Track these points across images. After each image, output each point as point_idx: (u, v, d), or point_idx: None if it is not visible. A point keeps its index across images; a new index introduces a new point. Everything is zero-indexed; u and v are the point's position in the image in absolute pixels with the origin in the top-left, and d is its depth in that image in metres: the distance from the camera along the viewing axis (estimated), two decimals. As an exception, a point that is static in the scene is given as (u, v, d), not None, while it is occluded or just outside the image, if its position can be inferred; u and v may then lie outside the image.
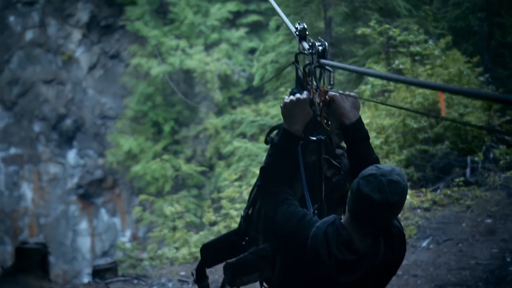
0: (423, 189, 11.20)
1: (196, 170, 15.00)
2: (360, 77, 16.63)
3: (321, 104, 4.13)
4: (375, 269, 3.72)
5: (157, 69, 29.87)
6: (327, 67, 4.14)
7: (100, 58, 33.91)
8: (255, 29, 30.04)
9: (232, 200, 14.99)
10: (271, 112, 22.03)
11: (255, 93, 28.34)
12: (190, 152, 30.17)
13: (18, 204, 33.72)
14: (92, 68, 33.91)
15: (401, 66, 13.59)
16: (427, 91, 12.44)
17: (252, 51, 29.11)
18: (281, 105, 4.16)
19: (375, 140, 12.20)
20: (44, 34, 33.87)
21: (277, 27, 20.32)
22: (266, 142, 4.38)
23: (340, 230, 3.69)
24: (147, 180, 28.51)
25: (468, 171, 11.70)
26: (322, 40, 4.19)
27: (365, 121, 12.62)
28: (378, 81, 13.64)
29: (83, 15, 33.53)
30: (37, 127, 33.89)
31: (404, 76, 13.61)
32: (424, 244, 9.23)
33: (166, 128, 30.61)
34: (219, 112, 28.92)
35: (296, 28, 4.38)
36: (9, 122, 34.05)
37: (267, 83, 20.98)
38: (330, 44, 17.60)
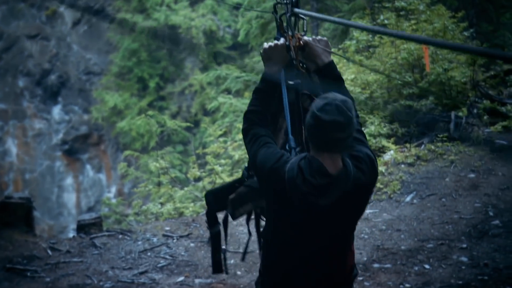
0: (407, 145, 11.20)
1: (181, 126, 14.97)
2: (345, 32, 16.56)
3: (295, 48, 4.60)
4: (349, 190, 4.07)
5: (142, 23, 29.63)
6: (300, 16, 4.67)
7: (84, 13, 33.57)
8: (240, -16, 29.85)
9: (217, 156, 14.98)
10: (256, 68, 21.94)
11: (240, 48, 28.19)
12: (175, 108, 30.08)
13: (3, 160, 33.61)
14: (76, 23, 33.60)
15: (386, 22, 13.50)
16: (412, 46, 12.38)
17: (237, 7, 28.91)
18: (261, 51, 4.67)
19: (359, 96, 12.17)
20: (28, -12, 33.51)
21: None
22: None
23: (311, 160, 4.05)
24: (133, 136, 28.45)
25: (452, 126, 11.69)
26: None
27: (350, 76, 12.58)
28: (363, 37, 13.57)
29: (67, -31, 33.15)
30: (21, 82, 33.66)
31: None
32: (408, 199, 9.26)
33: (151, 84, 30.47)
34: (204, 68, 28.78)
35: None
36: (-8, 77, 33.80)
37: (252, 39, 20.88)
38: (315, -1, 17.52)
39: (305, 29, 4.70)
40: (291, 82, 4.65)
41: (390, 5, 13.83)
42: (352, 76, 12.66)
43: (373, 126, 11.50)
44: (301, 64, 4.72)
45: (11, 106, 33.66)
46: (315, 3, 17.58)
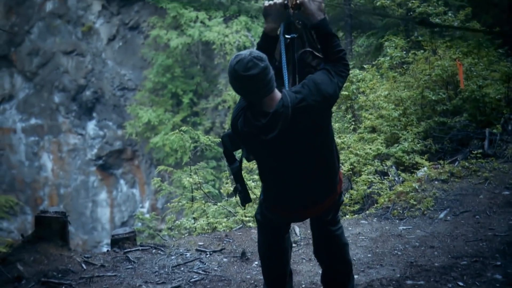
0: (441, 161, 11.15)
1: (215, 141, 15.01)
2: (378, 49, 16.55)
3: (292, 5, 5.33)
4: (294, 117, 4.95)
5: (176, 40, 29.83)
6: None
7: (120, 30, 33.91)
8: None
9: (249, 172, 14.99)
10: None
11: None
12: (209, 124, 30.22)
13: (39, 175, 33.95)
14: (111, 39, 33.92)
15: (420, 38, 13.51)
16: (446, 63, 12.36)
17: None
18: (262, 8, 5.38)
19: (393, 112, 12.15)
20: (64, 5, 33.89)
21: None
22: None
23: (251, 107, 5.06)
24: (166, 151, 28.60)
25: (486, 143, 11.63)
26: None
27: (383, 93, 12.56)
28: (397, 53, 13.56)
29: (103, -13, 33.53)
30: (57, 98, 34.02)
31: (423, 48, 13.54)
32: (442, 215, 9.21)
33: (185, 99, 30.64)
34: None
35: None
36: (29, 93, 34.19)
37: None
38: (349, 15, 17.53)
39: None
40: (288, 36, 5.36)
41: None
42: (386, 93, 12.64)
43: (406, 143, 11.47)
44: (298, 21, 5.40)
45: (46, 122, 34.02)
46: (349, 19, 17.62)
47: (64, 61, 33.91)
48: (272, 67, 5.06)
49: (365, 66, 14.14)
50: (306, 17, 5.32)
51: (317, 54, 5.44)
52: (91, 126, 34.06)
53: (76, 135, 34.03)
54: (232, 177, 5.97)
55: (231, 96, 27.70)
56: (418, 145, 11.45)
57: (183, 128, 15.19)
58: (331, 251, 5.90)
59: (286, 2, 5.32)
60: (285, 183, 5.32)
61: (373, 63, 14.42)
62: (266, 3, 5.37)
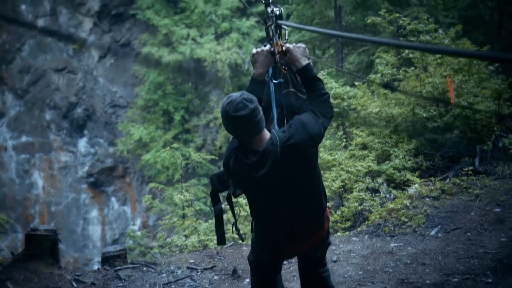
0: (432, 178, 11.18)
1: (206, 158, 15.03)
2: (369, 66, 16.60)
3: (278, 52, 5.65)
4: (282, 154, 5.20)
5: (168, 57, 29.88)
6: (283, 26, 5.80)
7: (111, 47, 33.95)
8: (265, 17, 30.00)
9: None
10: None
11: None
12: (200, 141, 30.23)
13: (29, 192, 33.84)
14: (103, 56, 33.96)
15: (410, 55, 13.54)
16: (437, 80, 12.40)
17: (262, 40, 29.08)
18: (250, 55, 5.57)
19: (384, 129, 12.18)
20: (55, 23, 33.91)
21: (288, 16, 20.28)
22: None
23: (242, 147, 5.31)
24: (158, 169, 28.57)
25: (477, 160, 11.66)
26: (279, 5, 5.84)
27: (375, 110, 12.60)
28: (388, 70, 13.60)
29: (94, 4, 33.56)
30: (48, 115, 33.98)
31: (414, 65, 13.59)
32: (433, 232, 9.22)
33: (177, 117, 30.66)
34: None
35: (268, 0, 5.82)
36: (20, 110, 34.14)
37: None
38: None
39: (286, 37, 5.77)
40: (275, 81, 5.70)
41: (415, 39, 13.87)
42: (377, 110, 12.67)
43: (397, 160, 11.49)
44: (284, 67, 5.71)
45: (37, 139, 33.96)
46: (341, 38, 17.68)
47: (55, 79, 33.89)
48: (260, 107, 5.34)
49: (356, 83, 14.17)
50: (292, 62, 5.65)
51: (300, 95, 5.75)
52: (82, 144, 34.00)
53: (67, 152, 33.96)
54: (216, 218, 5.95)
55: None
56: (409, 162, 11.48)
57: (175, 145, 15.21)
58: None
59: (272, 49, 5.67)
60: (274, 219, 5.55)
61: (364, 80, 14.46)
62: (254, 50, 5.72)
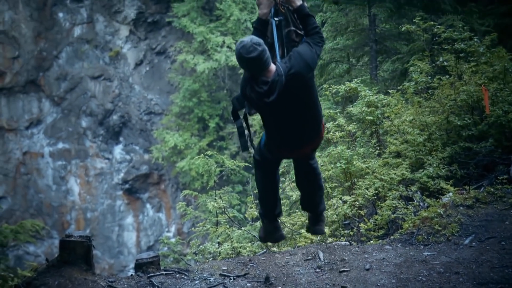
0: (466, 187, 11.09)
1: (240, 166, 15.05)
2: (403, 74, 16.53)
3: None
4: (287, 82, 6.72)
5: (203, 65, 29.99)
6: None
7: (147, 54, 34.19)
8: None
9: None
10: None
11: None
12: (235, 148, 30.28)
13: (66, 199, 34.16)
14: (138, 64, 34.22)
15: (445, 63, 13.45)
16: (471, 88, 12.31)
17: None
18: None
19: (418, 138, 12.11)
20: (92, 31, 34.25)
21: (322, 24, 20.26)
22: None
23: (256, 78, 6.77)
24: (192, 176, 28.69)
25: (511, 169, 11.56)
26: None
27: (408, 118, 12.53)
28: (422, 78, 13.53)
29: (130, 12, 33.84)
30: (84, 122, 34.29)
31: (448, 73, 13.51)
32: (467, 241, 9.15)
33: (211, 124, 30.77)
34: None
35: None
36: (57, 117, 34.50)
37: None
38: (374, 40, 17.55)
39: None
40: (276, 19, 7.11)
41: (449, 47, 13.76)
42: (411, 118, 12.61)
43: (431, 168, 11.41)
44: (283, 7, 7.14)
45: (74, 146, 34.28)
46: (374, 45, 17.63)
47: (92, 86, 34.22)
48: (266, 43, 6.80)
49: (390, 91, 14.10)
50: (289, 3, 7.14)
51: (299, 32, 7.19)
52: (117, 150, 34.27)
53: (103, 159, 34.24)
54: (239, 131, 7.46)
55: (257, 121, 27.76)
56: (443, 171, 11.40)
57: (209, 152, 15.23)
58: (309, 178, 7.91)
59: None
60: (283, 130, 7.20)
61: (398, 88, 14.39)
62: None
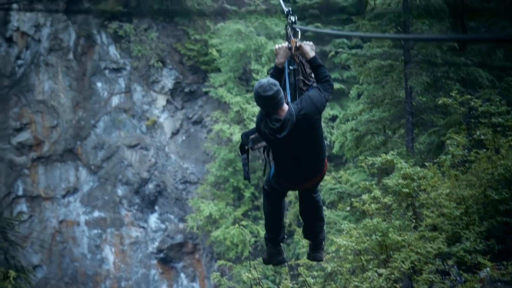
0: (504, 262, 11.02)
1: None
2: (440, 147, 16.56)
3: (293, 47, 8.10)
4: (297, 120, 7.57)
5: (238, 135, 30.20)
6: (297, 29, 8.23)
7: (183, 124, 34.57)
8: (337, 97, 30.22)
9: (309, 268, 14.99)
10: (351, 179, 21.99)
11: (335, 160, 28.38)
12: (270, 218, 30.21)
13: (100, 267, 34.26)
14: (175, 133, 34.59)
15: (482, 137, 13.45)
16: (509, 162, 12.29)
17: (333, 118, 29.26)
18: (274, 48, 8.18)
19: (455, 211, 12.07)
20: (129, 100, 34.79)
21: (358, 95, 20.45)
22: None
23: (269, 116, 7.62)
24: (227, 245, 28.65)
25: (551, 244, 11.47)
26: (295, 14, 8.33)
27: (445, 191, 12.52)
28: (459, 151, 13.54)
29: (167, 82, 34.37)
30: (120, 191, 34.57)
31: (485, 147, 13.50)
32: (505, 318, 9.09)
33: (247, 193, 30.82)
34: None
35: (288, 11, 8.35)
36: (93, 186, 34.84)
37: (346, 151, 21.02)
38: (410, 113, 17.64)
39: (299, 37, 8.19)
40: (291, 67, 8.14)
41: (486, 121, 13.77)
42: (447, 191, 12.60)
43: (468, 242, 11.36)
44: (297, 57, 8.14)
45: (109, 214, 34.52)
46: (411, 117, 17.72)
47: (128, 155, 34.58)
48: (281, 88, 7.70)
49: (426, 163, 14.12)
50: (303, 54, 8.13)
51: (306, 82, 8.20)
52: (153, 219, 34.42)
53: (138, 228, 34.40)
54: (243, 162, 8.55)
55: (291, 191, 27.79)
56: (480, 245, 11.34)
57: (244, 222, 15.28)
58: (312, 210, 8.77)
59: (289, 46, 8.11)
60: (290, 164, 8.05)
61: (435, 161, 14.40)
62: (276, 46, 8.15)
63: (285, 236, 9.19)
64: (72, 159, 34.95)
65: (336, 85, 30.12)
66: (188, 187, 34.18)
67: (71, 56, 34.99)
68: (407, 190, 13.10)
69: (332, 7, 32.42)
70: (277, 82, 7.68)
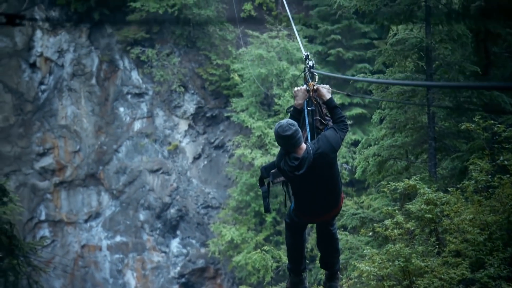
0: (529, 288, 10.98)
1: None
2: (463, 172, 16.51)
3: (311, 90, 8.74)
4: (314, 159, 8.06)
5: (260, 160, 30.26)
6: (314, 73, 8.94)
7: (205, 148, 34.69)
8: (359, 121, 30.29)
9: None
10: (373, 204, 21.94)
11: (357, 185, 28.36)
12: (292, 244, 30.18)
13: (122, 292, 34.34)
14: (197, 158, 34.71)
15: (505, 162, 13.43)
16: (534, 188, 12.26)
17: (355, 143, 29.26)
18: (293, 90, 8.93)
19: (478, 237, 12.05)
20: (151, 125, 34.99)
21: (381, 120, 20.44)
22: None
23: (289, 154, 8.16)
24: (248, 270, 28.65)
25: None
26: (312, 59, 9.14)
27: (468, 217, 12.49)
28: (482, 177, 13.52)
29: (189, 107, 34.56)
30: (142, 215, 34.70)
31: (509, 172, 13.47)
32: None
33: (268, 218, 30.83)
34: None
35: (307, 56, 9.17)
36: (115, 211, 35.00)
37: (368, 176, 21.00)
38: (433, 138, 17.64)
39: (316, 80, 8.88)
40: (309, 109, 8.74)
41: (510, 146, 13.78)
42: (471, 216, 12.57)
43: (492, 268, 11.34)
44: (315, 99, 8.77)
45: (131, 239, 34.63)
46: (434, 142, 17.72)
47: (150, 179, 34.74)
48: (299, 128, 8.21)
49: (449, 189, 14.09)
50: (320, 96, 8.73)
51: (323, 121, 8.79)
52: (174, 244, 34.49)
53: (159, 252, 34.46)
54: (263, 195, 9.12)
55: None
56: (504, 271, 11.30)
57: (266, 247, 15.34)
58: (328, 242, 9.23)
59: (308, 88, 8.74)
60: (308, 199, 8.52)
61: (458, 186, 14.38)
62: (296, 88, 8.80)
63: (306, 266, 9.58)
64: (95, 184, 35.17)
65: (358, 110, 30.22)
66: (209, 212, 34.25)
67: (93, 81, 35.32)
68: (430, 216, 13.08)
69: (353, 32, 32.56)
70: (295, 123, 8.23)
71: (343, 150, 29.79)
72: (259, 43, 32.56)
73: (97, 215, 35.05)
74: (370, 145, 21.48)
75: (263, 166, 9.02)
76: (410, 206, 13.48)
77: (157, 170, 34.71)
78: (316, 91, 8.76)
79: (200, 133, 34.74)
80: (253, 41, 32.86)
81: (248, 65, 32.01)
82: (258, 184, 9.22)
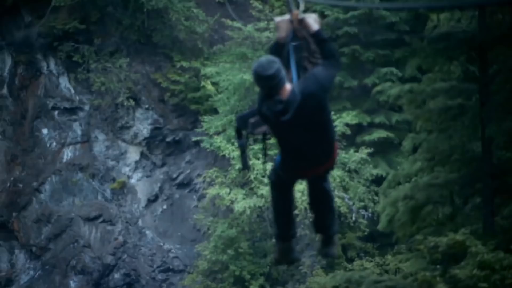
0: None
1: None
2: None
3: (296, 21, 9.37)
4: (302, 100, 8.81)
5: (242, 203, 30.15)
6: (299, 1, 9.46)
7: (164, 187, 34.69)
8: (382, 150, 30.27)
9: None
10: (403, 268, 21.93)
11: (380, 240, 28.40)
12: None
13: None
14: (152, 201, 34.72)
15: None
16: None
17: (377, 179, 29.24)
18: (274, 22, 9.68)
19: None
20: (88, 153, 35.13)
21: (414, 149, 20.49)
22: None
23: (271, 98, 8.86)
24: None
25: None
26: None
27: None
28: None
29: (142, 128, 34.95)
30: (73, 282, 34.65)
31: None
32: None
33: (254, 286, 30.77)
34: (329, 266, 28.84)
35: None
36: (34, 276, 34.97)
37: (397, 228, 21.05)
38: (489, 174, 17.67)
39: (302, 9, 9.46)
40: (293, 43, 9.36)
41: None
42: None
43: None
44: (300, 32, 9.37)
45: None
46: (490, 180, 17.77)
47: (85, 231, 34.67)
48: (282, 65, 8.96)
49: (512, 247, 14.19)
50: (306, 27, 9.38)
51: (311, 59, 9.45)
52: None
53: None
54: (241, 150, 10.06)
55: (318, 284, 27.77)
56: None
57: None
58: (322, 201, 10.16)
59: (291, 19, 9.38)
60: (296, 150, 9.39)
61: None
62: (277, 19, 9.57)
63: (296, 232, 10.55)
64: (6, 238, 35.02)
65: (382, 133, 30.13)
66: (170, 278, 34.25)
67: (5, 90, 35.32)
68: (486, 285, 13.15)
69: (375, 23, 32.43)
70: (277, 59, 9.03)
71: (360, 189, 29.73)
72: (241, 38, 32.70)
73: (8, 282, 34.85)
74: (399, 184, 21.52)
75: (239, 114, 10.16)
76: (458, 271, 13.55)
77: (95, 218, 34.66)
78: (302, 21, 9.44)
79: (157, 166, 34.78)
80: (233, 35, 33.00)
81: (226, 68, 32.05)
82: (236, 135, 10.00)
